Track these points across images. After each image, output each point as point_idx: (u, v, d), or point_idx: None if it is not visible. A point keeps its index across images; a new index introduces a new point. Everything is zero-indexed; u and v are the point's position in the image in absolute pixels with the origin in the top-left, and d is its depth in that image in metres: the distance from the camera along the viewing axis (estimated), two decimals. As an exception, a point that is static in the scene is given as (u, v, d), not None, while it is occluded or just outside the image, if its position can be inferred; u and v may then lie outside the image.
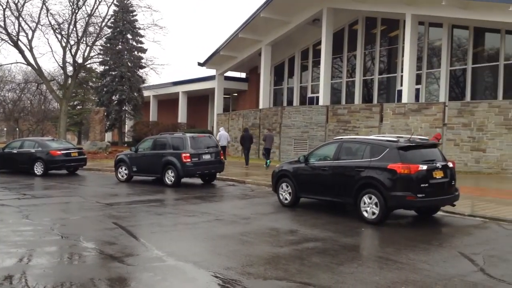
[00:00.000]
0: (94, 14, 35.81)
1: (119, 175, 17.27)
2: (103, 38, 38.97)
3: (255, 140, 27.32)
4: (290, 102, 33.87)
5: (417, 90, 25.06)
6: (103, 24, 37.62)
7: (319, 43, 28.82)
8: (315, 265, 6.62)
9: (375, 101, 27.96)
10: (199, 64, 35.67)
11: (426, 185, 9.25)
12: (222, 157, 16.71)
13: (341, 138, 11.36)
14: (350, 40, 29.89)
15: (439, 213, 10.47)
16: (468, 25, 23.42)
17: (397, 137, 10.33)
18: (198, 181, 17.01)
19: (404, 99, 23.25)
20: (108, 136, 45.08)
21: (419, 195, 9.17)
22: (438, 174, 9.48)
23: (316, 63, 30.96)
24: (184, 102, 40.62)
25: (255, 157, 27.92)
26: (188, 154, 15.38)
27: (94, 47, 37.71)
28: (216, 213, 10.65)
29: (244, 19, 30.45)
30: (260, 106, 31.32)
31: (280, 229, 9.20)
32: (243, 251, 7.35)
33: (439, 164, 9.58)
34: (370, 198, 9.55)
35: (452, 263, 6.83)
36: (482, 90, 23.86)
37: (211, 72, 36.84)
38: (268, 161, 21.50)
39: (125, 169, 17.09)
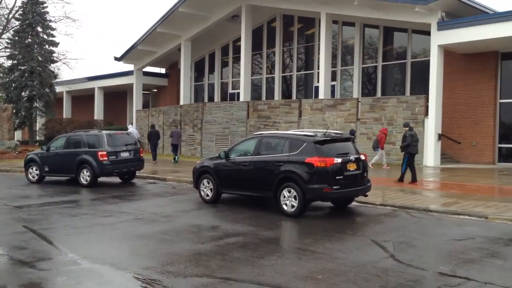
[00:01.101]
0: (0, 5, 33.44)
1: (29, 175, 16.28)
2: (11, 30, 36.45)
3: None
4: (211, 98, 33.79)
5: (333, 87, 26.05)
6: (10, 16, 35.27)
7: (239, 39, 29.02)
8: (236, 259, 6.67)
9: (294, 97, 28.68)
10: (116, 58, 34.47)
11: (341, 177, 9.64)
12: (141, 155, 16.31)
13: (261, 133, 11.54)
14: (269, 37, 30.40)
15: (353, 203, 10.98)
16: (378, 24, 24.70)
17: (314, 131, 10.66)
18: (116, 180, 16.47)
19: (321, 95, 24.08)
20: (18, 135, 42.24)
21: (335, 187, 9.55)
22: (352, 167, 9.92)
23: (237, 59, 31.14)
24: (100, 98, 39.10)
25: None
26: (104, 152, 14.85)
27: (0, 40, 35.19)
28: (136, 212, 10.38)
29: (163, 13, 29.88)
30: (181, 102, 30.97)
31: (201, 225, 9.17)
32: (163, 250, 7.23)
33: (352, 157, 10.03)
34: (289, 192, 9.79)
35: (365, 251, 7.19)
36: (392, 87, 25.31)
37: (129, 67, 35.79)
38: (176, 157, 22.79)
39: (36, 169, 16.15)
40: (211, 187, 11.47)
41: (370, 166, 18.46)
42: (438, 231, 8.54)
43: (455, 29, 19.11)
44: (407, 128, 14.77)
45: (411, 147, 14.24)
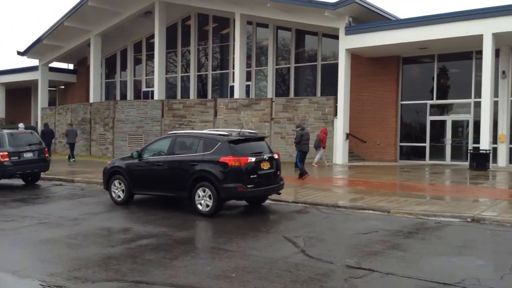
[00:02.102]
0: None
1: None
2: None
3: (86, 136, 26.09)
4: (124, 96, 32.76)
5: (248, 86, 26.40)
6: None
7: (153, 36, 28.42)
8: (148, 262, 6.53)
9: (209, 96, 28.66)
10: (19, 53, 32.27)
11: (255, 176, 9.80)
12: (46, 155, 15.42)
13: (175, 133, 11.41)
14: (184, 35, 30.09)
15: (267, 201, 11.21)
16: (291, 27, 25.40)
17: (229, 131, 10.73)
18: (19, 182, 15.43)
19: (236, 94, 24.30)
20: None
21: (249, 186, 9.68)
22: (265, 165, 10.12)
23: (150, 57, 30.46)
24: (1, 95, 36.39)
25: (86, 153, 26.45)
26: (5, 153, 13.86)
27: None
28: (40, 216, 9.79)
29: (72, 6, 28.43)
30: (91, 100, 29.71)
31: (112, 228, 8.85)
32: (70, 254, 6.89)
33: (266, 156, 10.23)
34: (204, 191, 9.77)
35: (277, 247, 7.37)
36: (304, 87, 26.17)
37: (34, 62, 33.67)
38: (73, 159, 22.49)
39: None
40: (123, 188, 11.13)
41: (314, 165, 19.16)
42: (345, 226, 8.98)
43: (360, 34, 20.21)
44: (298, 128, 15.92)
45: (300, 145, 15.28)
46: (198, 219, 9.52)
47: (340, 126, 20.49)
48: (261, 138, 10.98)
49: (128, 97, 32.19)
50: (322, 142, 19.49)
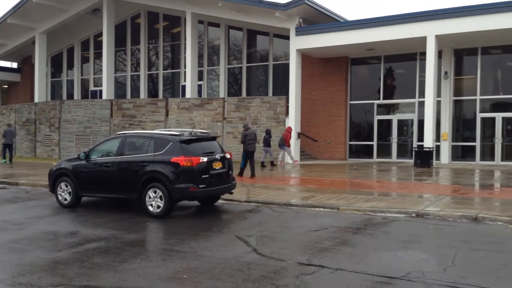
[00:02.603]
0: None
1: None
2: None
3: (31, 137, 25.16)
4: (70, 96, 31.78)
5: (200, 86, 26.26)
6: None
7: (101, 34, 27.75)
8: (96, 266, 6.36)
9: (160, 95, 28.27)
10: (-43, 50, 30.64)
11: (207, 176, 9.76)
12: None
13: (125, 133, 11.16)
14: (134, 34, 29.54)
15: (220, 201, 11.19)
16: (242, 27, 25.48)
17: (181, 131, 10.63)
18: (-43, 186, 14.65)
19: (188, 94, 24.12)
20: None
21: (201, 186, 9.63)
22: (217, 165, 10.10)
23: (99, 55, 29.69)
24: None
25: (31, 155, 25.50)
26: None
27: None
28: (-19, 222, 9.33)
29: (16, 3, 27.28)
30: (36, 100, 28.65)
31: (58, 232, 8.56)
32: (13, 260, 6.61)
33: (218, 156, 10.22)
34: (155, 192, 9.63)
35: (229, 247, 7.37)
36: (256, 87, 26.32)
37: (-27, 60, 32.09)
38: (4, 160, 21.95)
39: None
40: (70, 190, 10.79)
41: (293, 162, 19.44)
42: (297, 224, 9.10)
43: (310, 35, 20.57)
44: (244, 129, 16.14)
45: (245, 145, 15.53)
46: (149, 220, 9.37)
47: (292, 125, 20.74)
48: (213, 138, 10.94)
49: (75, 97, 31.26)
50: (286, 141, 19.70)
